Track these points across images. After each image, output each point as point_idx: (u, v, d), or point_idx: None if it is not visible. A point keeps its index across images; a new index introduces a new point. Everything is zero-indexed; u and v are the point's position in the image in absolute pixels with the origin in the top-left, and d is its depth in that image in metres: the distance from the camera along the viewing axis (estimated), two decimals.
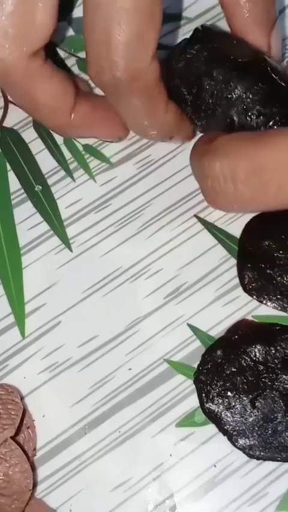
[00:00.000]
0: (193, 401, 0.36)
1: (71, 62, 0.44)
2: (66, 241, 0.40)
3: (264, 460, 0.35)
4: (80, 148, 0.42)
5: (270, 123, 0.36)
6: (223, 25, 0.44)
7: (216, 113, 0.37)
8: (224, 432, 0.35)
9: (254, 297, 0.38)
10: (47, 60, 0.36)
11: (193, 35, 0.38)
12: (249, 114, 0.36)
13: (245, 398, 0.35)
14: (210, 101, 0.37)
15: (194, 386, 0.36)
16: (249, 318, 0.38)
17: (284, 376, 0.36)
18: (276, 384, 0.35)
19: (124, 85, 0.33)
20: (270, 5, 0.37)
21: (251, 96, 0.36)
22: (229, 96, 0.36)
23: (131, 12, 0.31)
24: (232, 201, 0.33)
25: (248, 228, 0.39)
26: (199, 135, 0.39)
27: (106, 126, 0.39)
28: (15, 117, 0.43)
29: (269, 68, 0.36)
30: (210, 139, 0.35)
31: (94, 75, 0.34)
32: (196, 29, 0.38)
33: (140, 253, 0.39)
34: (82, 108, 0.37)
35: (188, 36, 0.38)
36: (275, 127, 0.36)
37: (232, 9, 0.37)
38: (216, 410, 0.36)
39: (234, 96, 0.36)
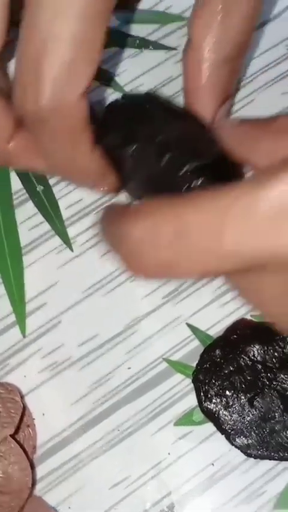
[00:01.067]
0: (191, 400, 0.37)
1: None
2: (67, 241, 0.40)
3: (262, 458, 0.35)
4: None
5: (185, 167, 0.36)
6: None
7: (148, 149, 0.37)
8: (222, 431, 0.35)
9: None
10: None
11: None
12: (183, 150, 0.36)
13: (243, 398, 0.36)
14: (143, 136, 0.37)
15: (192, 385, 0.36)
16: (248, 317, 0.38)
17: (281, 376, 0.36)
18: (274, 383, 0.36)
19: (47, 119, 0.30)
20: (233, 77, 0.35)
21: (183, 137, 0.36)
22: (162, 134, 0.36)
23: (65, 41, 0.28)
24: (155, 268, 0.29)
25: None
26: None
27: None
28: None
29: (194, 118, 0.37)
30: (125, 206, 0.31)
31: (18, 102, 0.31)
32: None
33: None
34: (22, 137, 0.34)
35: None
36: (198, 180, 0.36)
37: (192, 68, 0.35)
38: (214, 409, 0.36)
39: (168, 134, 0.36)
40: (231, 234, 0.26)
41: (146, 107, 0.37)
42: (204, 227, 0.27)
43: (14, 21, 0.31)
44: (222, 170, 0.37)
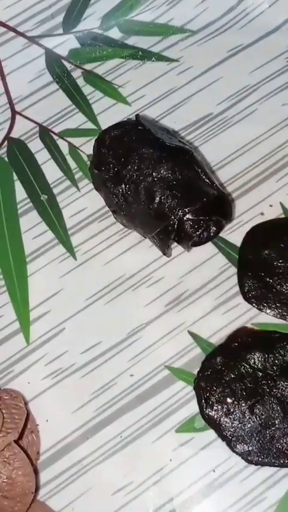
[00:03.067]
0: (193, 407, 0.37)
1: (76, 74, 0.45)
2: (70, 250, 0.41)
3: (262, 465, 0.35)
4: (85, 158, 0.43)
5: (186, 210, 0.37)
6: (226, 37, 0.45)
7: (140, 188, 0.37)
8: (223, 438, 0.36)
9: (254, 305, 0.38)
10: None
11: (128, 119, 0.40)
12: (173, 192, 0.37)
13: (243, 405, 0.36)
14: (135, 175, 0.38)
15: (194, 392, 0.37)
16: (249, 325, 0.38)
17: (282, 383, 0.36)
18: (275, 390, 0.36)
19: None
20: None
21: (175, 178, 0.37)
22: (154, 173, 0.37)
23: None
24: None
25: (248, 237, 0.40)
26: None
27: None
28: (22, 128, 0.44)
29: (193, 161, 0.38)
30: None
31: None
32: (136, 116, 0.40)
33: (142, 261, 0.40)
34: None
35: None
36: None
37: None
38: (215, 416, 0.36)
39: (159, 175, 0.37)
40: None
41: (137, 141, 0.38)
42: None
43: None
44: (212, 210, 0.37)
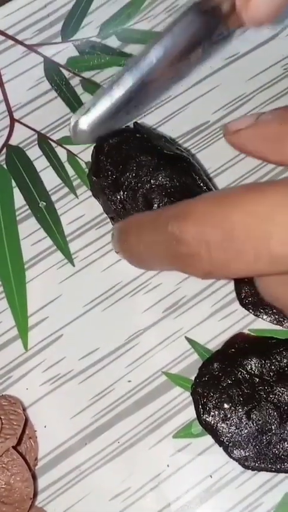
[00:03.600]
0: (190, 413, 0.37)
1: (74, 82, 0.45)
2: (68, 256, 0.41)
3: (259, 470, 0.36)
4: (83, 165, 0.43)
5: None
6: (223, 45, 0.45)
7: (138, 195, 0.38)
8: (220, 443, 0.36)
9: (251, 311, 0.39)
10: None
11: (126, 127, 0.40)
12: (171, 199, 0.37)
13: (240, 410, 0.36)
14: (133, 182, 0.38)
15: (191, 398, 0.37)
16: (246, 331, 0.39)
17: (278, 389, 0.36)
18: (271, 396, 0.36)
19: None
20: None
21: (173, 185, 0.38)
22: (152, 181, 0.38)
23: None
24: (207, 268, 0.30)
25: None
26: None
27: None
28: (20, 136, 0.44)
29: (191, 168, 0.38)
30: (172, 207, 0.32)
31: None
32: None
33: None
34: None
35: None
36: None
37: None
38: (212, 422, 0.36)
39: (157, 182, 0.38)
40: (278, 239, 0.27)
41: (135, 149, 0.38)
42: (250, 230, 0.27)
43: None
44: None
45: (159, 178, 0.38)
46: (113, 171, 0.39)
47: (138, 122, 0.41)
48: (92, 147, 0.40)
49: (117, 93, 0.34)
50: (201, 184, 0.38)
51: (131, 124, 0.41)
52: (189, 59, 0.34)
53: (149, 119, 0.44)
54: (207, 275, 0.30)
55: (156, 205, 0.37)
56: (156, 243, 0.31)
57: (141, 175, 0.38)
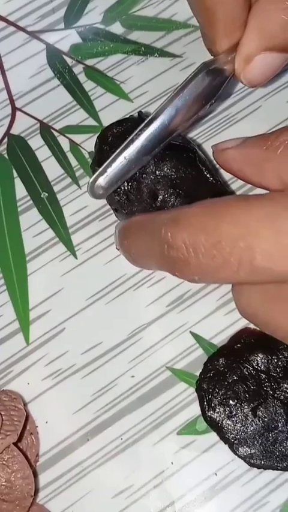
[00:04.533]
0: (195, 409, 0.36)
1: (78, 70, 0.44)
2: (71, 248, 0.40)
3: (265, 468, 0.35)
4: (86, 155, 0.42)
5: None
6: None
7: (142, 186, 0.37)
8: (225, 441, 0.35)
9: None
10: None
11: (130, 116, 0.40)
12: (177, 190, 0.37)
13: (246, 407, 0.36)
14: (138, 173, 0.37)
15: (195, 394, 0.36)
16: (252, 326, 0.38)
17: (285, 385, 0.36)
18: (278, 392, 0.36)
19: None
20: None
21: (179, 176, 0.37)
22: (157, 171, 0.37)
23: None
24: (195, 273, 0.32)
25: None
26: None
27: None
28: (22, 124, 0.43)
29: (197, 159, 0.37)
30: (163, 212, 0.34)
31: None
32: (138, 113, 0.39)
33: None
34: None
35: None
36: None
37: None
38: (217, 419, 0.36)
39: (162, 173, 0.37)
40: (260, 252, 0.29)
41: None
42: (236, 241, 0.29)
43: None
44: None
45: (165, 169, 0.37)
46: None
47: (143, 111, 0.40)
48: (95, 137, 0.39)
49: (133, 154, 0.36)
50: (208, 175, 0.37)
51: (135, 113, 0.40)
52: (198, 115, 0.37)
53: (154, 107, 0.43)
54: (195, 280, 0.32)
55: (161, 196, 0.37)
56: (150, 245, 0.33)
57: (146, 165, 0.37)
